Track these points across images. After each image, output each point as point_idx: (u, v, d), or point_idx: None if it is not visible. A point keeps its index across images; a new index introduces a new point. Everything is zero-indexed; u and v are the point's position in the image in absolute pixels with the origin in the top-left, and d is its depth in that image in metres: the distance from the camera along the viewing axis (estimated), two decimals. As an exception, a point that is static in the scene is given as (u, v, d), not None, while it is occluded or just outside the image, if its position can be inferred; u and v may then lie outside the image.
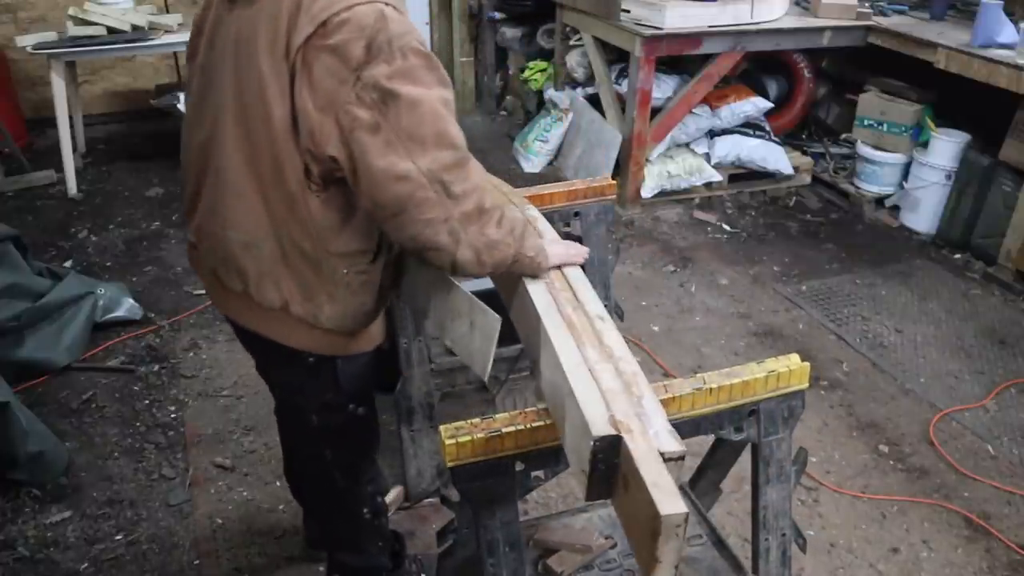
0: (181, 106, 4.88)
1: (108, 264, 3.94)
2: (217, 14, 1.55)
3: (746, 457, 1.70)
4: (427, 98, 1.36)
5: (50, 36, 4.48)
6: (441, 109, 1.38)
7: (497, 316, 1.56)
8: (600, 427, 1.18)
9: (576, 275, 1.66)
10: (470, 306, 1.60)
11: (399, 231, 1.42)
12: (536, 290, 1.57)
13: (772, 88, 5.07)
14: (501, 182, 2.04)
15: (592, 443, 1.16)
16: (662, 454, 1.14)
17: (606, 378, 1.31)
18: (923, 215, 4.36)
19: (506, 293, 1.73)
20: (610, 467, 1.17)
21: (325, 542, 2.17)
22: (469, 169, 1.42)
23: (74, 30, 4.46)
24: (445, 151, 1.38)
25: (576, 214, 2.38)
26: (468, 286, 2.52)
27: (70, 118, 4.70)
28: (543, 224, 1.83)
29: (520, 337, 1.66)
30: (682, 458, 1.16)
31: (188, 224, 1.72)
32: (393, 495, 2.50)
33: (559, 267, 1.66)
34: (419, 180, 1.35)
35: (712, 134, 4.69)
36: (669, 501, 1.05)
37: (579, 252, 1.72)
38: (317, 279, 1.54)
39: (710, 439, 1.78)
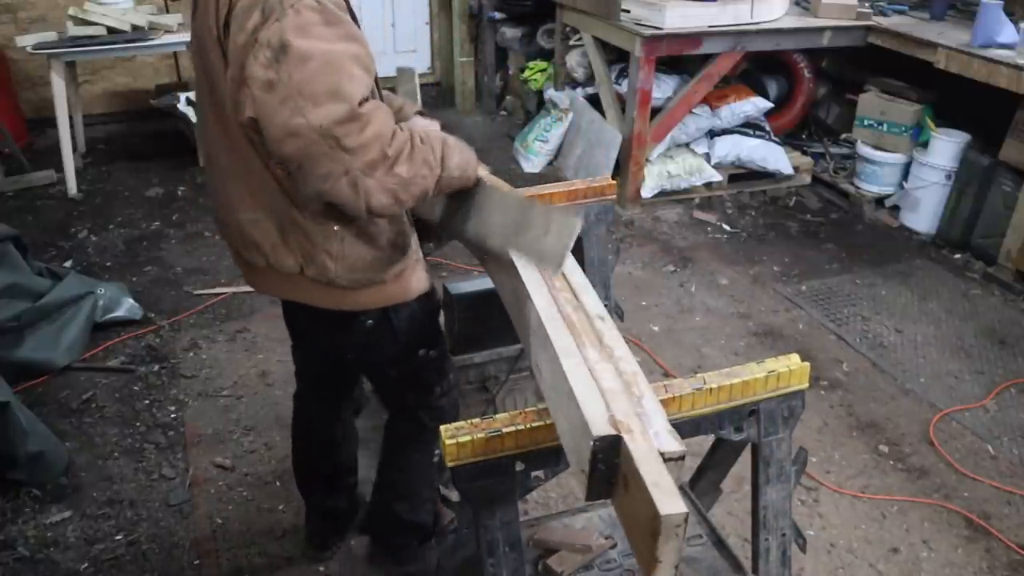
0: (181, 106, 4.89)
1: (108, 264, 3.94)
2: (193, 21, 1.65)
3: (746, 457, 1.70)
4: (319, 51, 1.38)
5: (50, 36, 4.48)
6: (337, 62, 1.39)
7: (577, 216, 1.61)
8: (600, 427, 1.17)
9: (576, 275, 1.67)
10: (546, 215, 1.60)
11: (304, 187, 1.47)
12: (536, 290, 1.57)
13: (772, 88, 5.07)
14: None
15: (592, 443, 1.16)
16: (662, 454, 1.14)
17: (606, 378, 1.31)
18: (923, 215, 4.36)
19: (506, 293, 1.73)
20: (610, 467, 1.17)
21: (382, 491, 2.19)
22: (365, 122, 1.41)
23: (74, 30, 4.46)
24: (337, 105, 1.38)
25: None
26: (466, 286, 2.51)
27: (70, 118, 4.71)
28: None
29: (520, 337, 1.66)
30: (682, 458, 1.16)
31: (215, 220, 1.84)
32: (393, 495, 2.51)
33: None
34: (309, 136, 1.37)
35: (712, 134, 4.69)
36: (669, 501, 1.05)
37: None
38: (310, 242, 1.62)
39: (710, 439, 1.78)
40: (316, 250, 1.62)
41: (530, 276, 1.61)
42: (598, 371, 1.32)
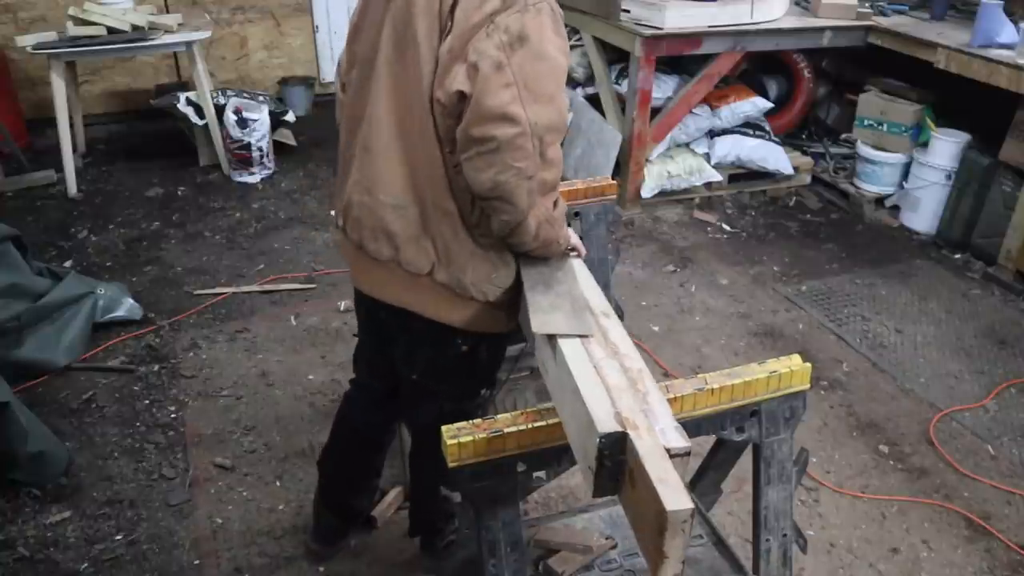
0: (181, 106, 4.89)
1: (108, 264, 3.94)
2: (372, 17, 1.63)
3: (747, 458, 1.70)
4: (551, 55, 1.44)
5: (50, 36, 4.48)
6: (560, 71, 1.47)
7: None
8: (606, 424, 1.18)
9: (581, 272, 1.67)
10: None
11: (484, 169, 1.44)
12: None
13: (772, 88, 5.07)
14: None
15: (598, 440, 1.16)
16: (668, 450, 1.14)
17: (612, 375, 1.31)
18: (923, 215, 4.36)
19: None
20: (616, 464, 1.18)
21: (420, 507, 2.23)
22: (560, 140, 1.50)
23: (74, 30, 4.46)
24: (553, 110, 1.45)
25: (576, 214, 2.38)
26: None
27: (70, 118, 4.70)
28: None
29: (526, 334, 1.66)
30: (688, 454, 1.16)
31: (337, 218, 1.78)
32: (393, 495, 2.50)
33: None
34: (525, 127, 1.41)
35: (712, 134, 4.68)
36: (675, 497, 1.06)
37: (579, 244, 1.84)
38: (456, 241, 1.60)
39: (711, 439, 1.78)
40: (457, 252, 1.60)
41: (534, 275, 1.62)
42: (604, 368, 1.33)
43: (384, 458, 2.28)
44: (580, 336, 1.43)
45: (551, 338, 1.44)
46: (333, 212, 1.84)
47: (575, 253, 1.79)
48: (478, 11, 1.43)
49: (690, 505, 1.05)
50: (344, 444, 2.20)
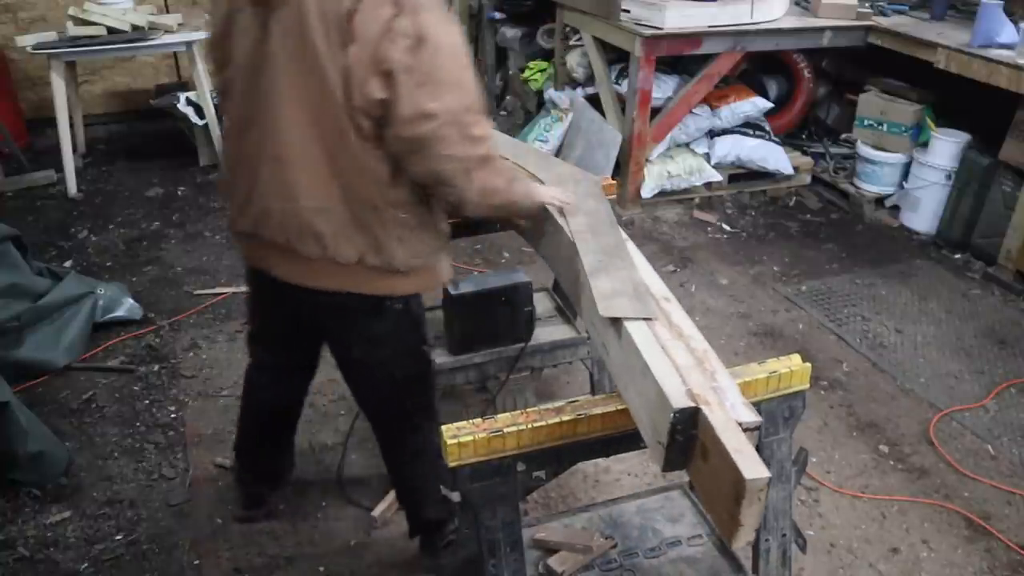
0: (181, 106, 4.89)
1: (108, 264, 3.94)
2: (243, 25, 1.70)
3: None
4: (447, 42, 1.57)
5: (50, 36, 4.48)
6: (461, 55, 1.60)
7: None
8: (679, 400, 1.23)
9: (638, 259, 1.75)
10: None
11: (420, 165, 1.63)
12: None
13: (772, 88, 5.07)
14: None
15: (672, 415, 1.21)
16: (740, 424, 1.20)
17: (679, 355, 1.37)
18: (923, 215, 4.36)
19: (565, 275, 1.88)
20: (688, 438, 1.23)
21: (408, 503, 2.28)
22: (482, 117, 1.62)
23: (74, 30, 4.46)
24: (465, 95, 1.60)
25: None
26: (465, 286, 2.52)
27: (70, 118, 4.70)
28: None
29: (583, 317, 1.74)
30: (759, 428, 1.23)
31: (238, 221, 1.85)
32: (393, 495, 2.50)
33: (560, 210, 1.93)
34: (443, 118, 1.56)
35: (712, 134, 4.68)
36: (752, 466, 1.11)
37: (568, 196, 1.99)
38: (383, 229, 1.72)
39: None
40: (385, 238, 1.73)
41: (593, 262, 1.69)
42: (670, 348, 1.38)
43: (296, 419, 2.41)
44: (645, 319, 1.48)
45: (615, 321, 1.49)
46: (231, 214, 1.88)
47: (559, 202, 1.95)
48: (376, 20, 1.53)
49: (767, 474, 1.11)
50: (262, 419, 2.33)
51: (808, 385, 1.58)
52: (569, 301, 2.40)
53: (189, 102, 4.90)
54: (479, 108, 1.61)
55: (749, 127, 4.71)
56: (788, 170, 4.75)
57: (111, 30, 4.49)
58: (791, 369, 1.54)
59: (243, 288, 3.71)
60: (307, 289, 1.81)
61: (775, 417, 1.57)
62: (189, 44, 4.65)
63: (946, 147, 4.21)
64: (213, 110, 4.78)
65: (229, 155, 1.90)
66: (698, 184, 4.66)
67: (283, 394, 2.28)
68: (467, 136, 1.59)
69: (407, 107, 1.54)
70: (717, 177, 4.64)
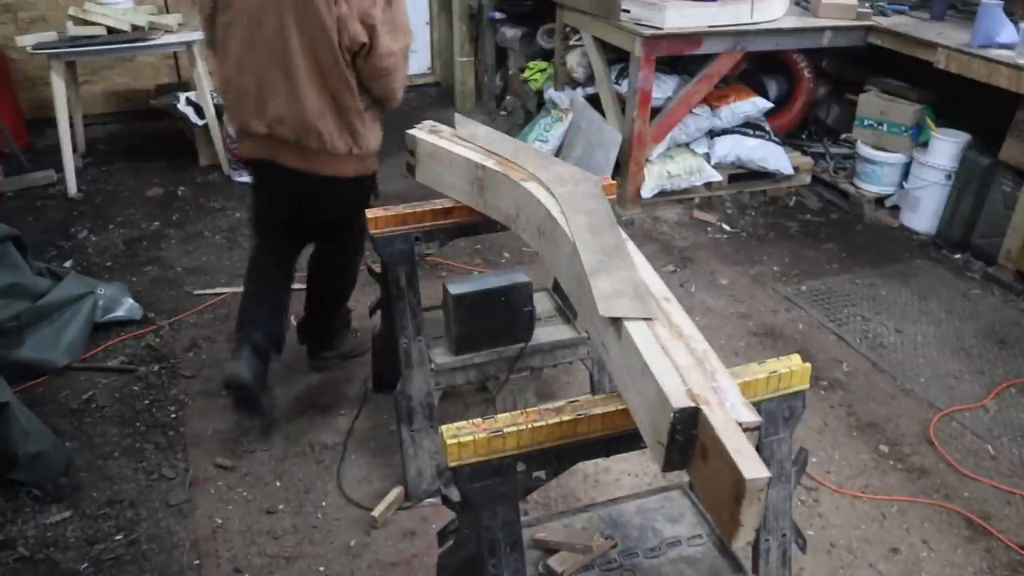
0: (181, 106, 4.89)
1: (108, 264, 3.94)
2: None
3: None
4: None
5: (50, 36, 4.48)
6: (404, 6, 2.43)
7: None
8: (679, 400, 1.23)
9: (638, 259, 1.74)
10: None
11: (384, 87, 2.46)
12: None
13: (772, 88, 5.07)
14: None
15: (672, 415, 1.21)
16: (740, 424, 1.20)
17: (679, 355, 1.37)
18: (923, 215, 4.36)
19: (566, 274, 1.87)
20: (687, 438, 1.23)
21: (328, 305, 3.06)
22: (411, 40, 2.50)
23: (74, 30, 4.46)
24: (408, 34, 2.46)
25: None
26: (465, 286, 2.52)
27: (70, 118, 4.70)
28: None
29: (584, 317, 1.74)
30: (759, 428, 1.24)
31: (252, 123, 2.50)
32: (393, 495, 2.51)
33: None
34: (401, 55, 2.42)
35: (712, 134, 4.68)
36: (752, 466, 1.11)
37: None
38: (360, 123, 2.48)
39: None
40: (361, 130, 2.48)
41: (592, 262, 1.68)
42: (670, 348, 1.38)
43: (290, 286, 2.90)
44: (644, 319, 1.49)
45: (615, 321, 1.49)
46: (245, 120, 2.52)
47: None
48: None
49: (767, 474, 1.11)
50: (262, 285, 2.82)
51: (808, 385, 1.58)
52: (569, 301, 2.39)
53: (189, 102, 4.90)
54: (411, 36, 2.47)
55: (749, 127, 4.71)
56: (788, 170, 4.75)
57: (111, 30, 4.50)
58: (791, 369, 1.54)
59: (243, 289, 3.71)
60: (310, 173, 2.52)
61: (775, 417, 1.57)
62: (189, 44, 4.66)
63: (946, 147, 4.21)
64: (213, 110, 4.78)
65: (232, 78, 2.49)
66: (698, 184, 4.66)
67: (280, 264, 2.86)
68: (406, 61, 2.46)
69: (383, 47, 2.35)
70: (717, 177, 4.64)
